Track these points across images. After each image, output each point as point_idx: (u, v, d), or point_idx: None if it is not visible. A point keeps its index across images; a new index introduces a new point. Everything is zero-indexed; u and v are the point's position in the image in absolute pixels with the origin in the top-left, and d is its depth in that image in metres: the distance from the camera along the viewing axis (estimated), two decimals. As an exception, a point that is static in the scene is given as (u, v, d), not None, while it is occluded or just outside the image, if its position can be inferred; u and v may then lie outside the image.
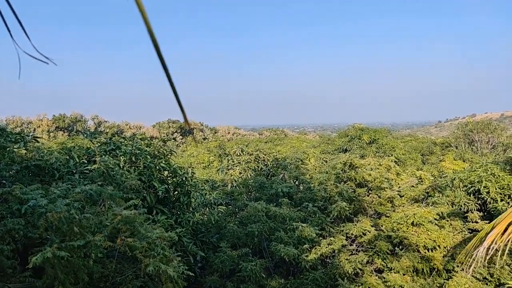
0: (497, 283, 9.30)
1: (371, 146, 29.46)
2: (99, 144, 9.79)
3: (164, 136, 53.26)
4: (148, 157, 9.52)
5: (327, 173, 14.38)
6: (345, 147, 30.40)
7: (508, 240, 4.90)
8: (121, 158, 9.25)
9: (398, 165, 21.76)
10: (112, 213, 5.50)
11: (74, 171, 8.60)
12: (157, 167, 9.58)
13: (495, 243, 4.96)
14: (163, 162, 9.80)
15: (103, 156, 8.87)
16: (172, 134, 59.44)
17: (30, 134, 8.77)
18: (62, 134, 53.79)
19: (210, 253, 10.59)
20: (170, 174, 10.23)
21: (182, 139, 58.95)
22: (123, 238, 5.39)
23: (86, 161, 9.10)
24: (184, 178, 10.31)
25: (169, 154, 10.51)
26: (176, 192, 10.35)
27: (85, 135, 10.45)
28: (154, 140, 11.57)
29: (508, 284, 8.94)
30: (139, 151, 9.39)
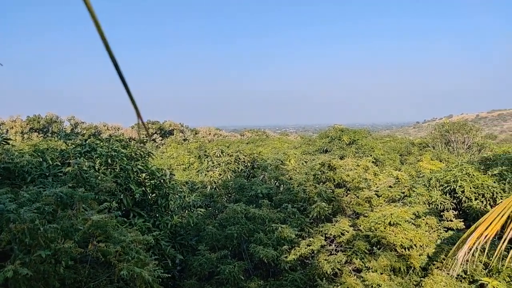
0: (471, 280, 9.50)
1: (351, 146, 29.82)
2: (74, 146, 9.56)
3: (143, 138, 52.66)
4: (125, 159, 9.35)
5: (306, 174, 14.43)
6: (325, 147, 30.69)
7: (486, 241, 5.00)
8: (97, 160, 9.06)
9: (377, 165, 22.07)
10: (82, 218, 5.35)
11: (47, 174, 8.37)
12: (134, 169, 9.42)
13: (476, 245, 5.06)
14: (140, 164, 9.64)
15: (78, 158, 8.66)
16: (151, 135, 58.73)
17: (1, 135, 8.49)
18: (37, 136, 52.37)
19: (189, 256, 10.46)
20: (148, 176, 10.07)
21: (161, 140, 58.26)
22: (94, 243, 5.25)
23: (60, 164, 8.87)
24: (162, 180, 10.17)
25: (147, 156, 10.34)
26: (154, 195, 10.19)
27: (59, 136, 10.19)
28: (132, 142, 11.37)
29: (481, 280, 9.14)
30: (115, 153, 9.21)
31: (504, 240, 4.76)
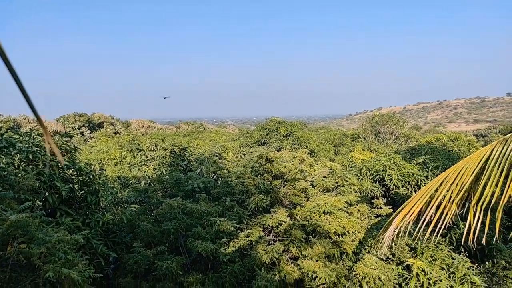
0: (398, 262, 10.18)
1: (288, 138, 30.50)
2: (-12, 141, 8.66)
3: (70, 131, 49.32)
4: (49, 154, 8.65)
5: (244, 166, 14.49)
6: (263, 140, 31.08)
7: (409, 223, 5.33)
8: (16, 156, 8.29)
9: (312, 156, 22.80)
10: (0, 219, 4.86)
11: (-44, 173, 7.49)
12: (59, 165, 8.76)
13: (400, 227, 5.38)
14: (67, 159, 8.99)
15: (-7, 155, 7.86)
16: (79, 129, 55.11)
17: None
18: None
19: (124, 253, 10.03)
20: (75, 172, 9.43)
21: (90, 133, 54.93)
22: (14, 245, 4.79)
23: (-29, 161, 7.99)
24: (91, 176, 9.58)
25: (73, 151, 9.67)
26: (83, 192, 9.58)
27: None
28: (56, 136, 10.57)
29: (407, 262, 9.83)
30: (37, 148, 8.49)
31: (423, 223, 5.11)
